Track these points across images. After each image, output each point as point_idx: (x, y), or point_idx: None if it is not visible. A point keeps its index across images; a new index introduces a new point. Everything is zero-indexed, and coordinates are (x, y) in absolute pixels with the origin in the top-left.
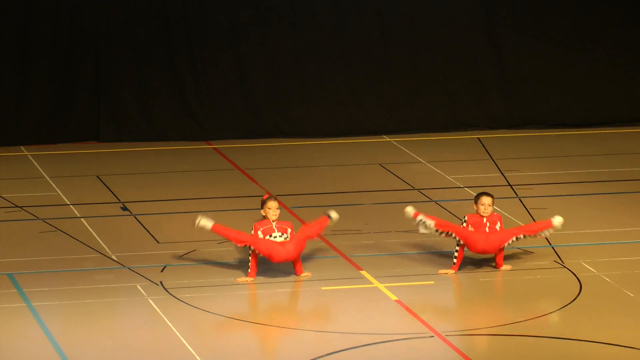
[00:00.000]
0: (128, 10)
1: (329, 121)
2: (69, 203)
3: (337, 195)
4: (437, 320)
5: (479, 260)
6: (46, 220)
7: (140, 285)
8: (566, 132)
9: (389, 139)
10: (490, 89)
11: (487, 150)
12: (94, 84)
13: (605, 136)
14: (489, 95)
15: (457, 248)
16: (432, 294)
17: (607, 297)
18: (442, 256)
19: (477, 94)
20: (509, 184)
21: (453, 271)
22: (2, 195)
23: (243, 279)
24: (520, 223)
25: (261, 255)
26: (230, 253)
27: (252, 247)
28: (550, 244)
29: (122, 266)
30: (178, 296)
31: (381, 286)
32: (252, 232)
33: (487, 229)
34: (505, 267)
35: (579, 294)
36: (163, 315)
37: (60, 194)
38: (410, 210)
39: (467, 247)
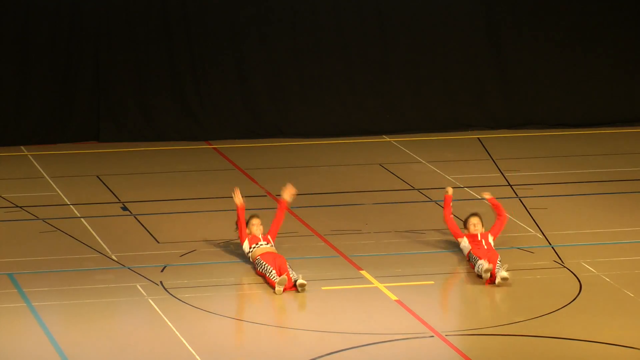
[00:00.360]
0: (128, 10)
1: (329, 121)
2: (69, 203)
3: (337, 195)
4: (437, 320)
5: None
6: (46, 220)
7: (140, 285)
8: (566, 132)
9: (389, 139)
10: (490, 89)
11: (487, 150)
12: (94, 84)
13: (605, 136)
14: (488, 95)
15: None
16: (432, 294)
17: (607, 297)
18: (442, 256)
19: (477, 94)
20: (509, 184)
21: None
22: (2, 195)
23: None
24: (521, 223)
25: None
26: (230, 253)
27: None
28: (550, 244)
29: (122, 266)
30: (178, 296)
31: (381, 286)
32: (240, 242)
33: (484, 246)
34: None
35: (578, 294)
36: (163, 315)
37: (60, 194)
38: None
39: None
